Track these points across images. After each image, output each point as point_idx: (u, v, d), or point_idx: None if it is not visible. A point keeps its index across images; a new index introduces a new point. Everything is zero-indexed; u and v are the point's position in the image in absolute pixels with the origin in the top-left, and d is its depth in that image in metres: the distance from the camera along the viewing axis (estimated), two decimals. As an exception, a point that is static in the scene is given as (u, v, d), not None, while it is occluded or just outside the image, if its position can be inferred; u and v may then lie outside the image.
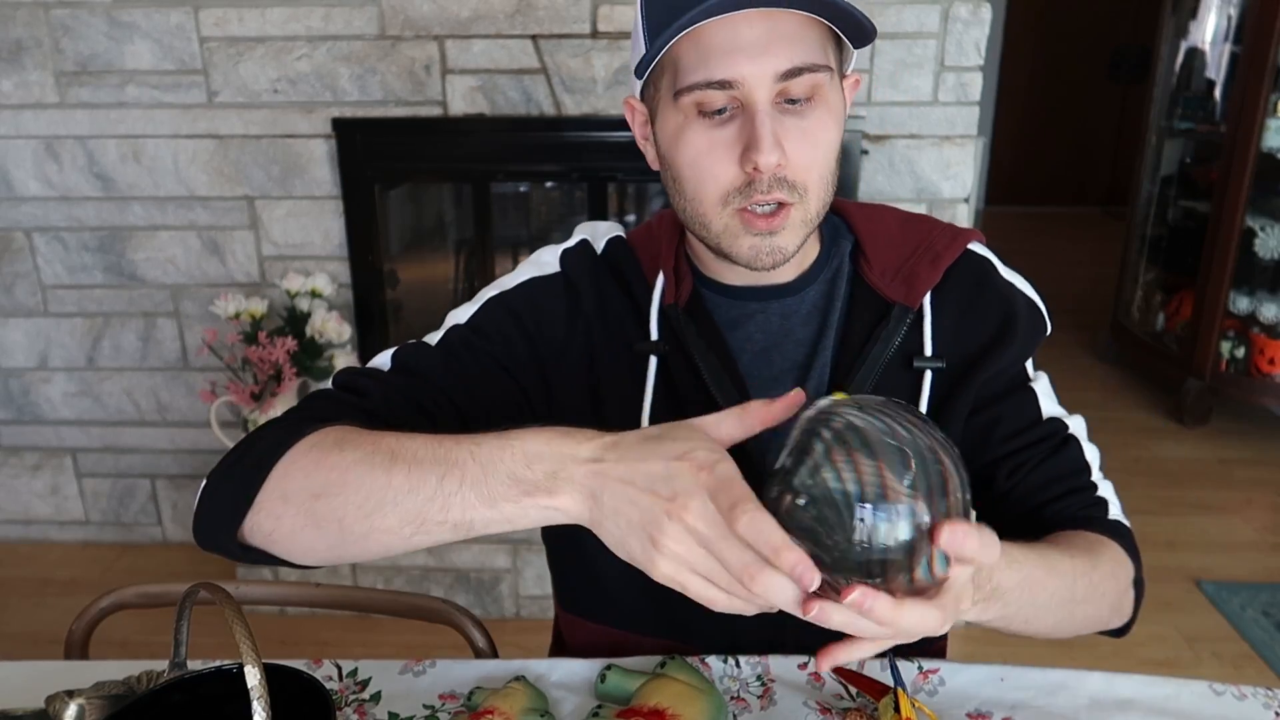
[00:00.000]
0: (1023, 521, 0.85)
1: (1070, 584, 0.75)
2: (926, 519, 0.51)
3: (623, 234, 0.92)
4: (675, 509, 0.54)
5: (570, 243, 0.92)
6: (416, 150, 2.22)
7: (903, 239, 0.88)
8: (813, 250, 0.87)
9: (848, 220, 0.90)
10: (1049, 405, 0.88)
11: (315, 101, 2.17)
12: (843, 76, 0.79)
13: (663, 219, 0.91)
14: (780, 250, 0.77)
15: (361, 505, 0.64)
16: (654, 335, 0.86)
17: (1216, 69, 3.28)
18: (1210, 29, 3.29)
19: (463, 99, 2.15)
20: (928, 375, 0.84)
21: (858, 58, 0.82)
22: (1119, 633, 0.88)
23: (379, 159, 2.21)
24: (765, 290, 0.86)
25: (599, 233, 0.93)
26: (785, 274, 0.85)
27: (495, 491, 0.61)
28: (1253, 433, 3.18)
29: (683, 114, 0.75)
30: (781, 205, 0.75)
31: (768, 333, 0.86)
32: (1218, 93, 3.26)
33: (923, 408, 0.84)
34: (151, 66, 2.15)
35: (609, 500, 0.58)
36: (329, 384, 0.83)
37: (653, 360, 0.85)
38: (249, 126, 2.19)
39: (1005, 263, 0.90)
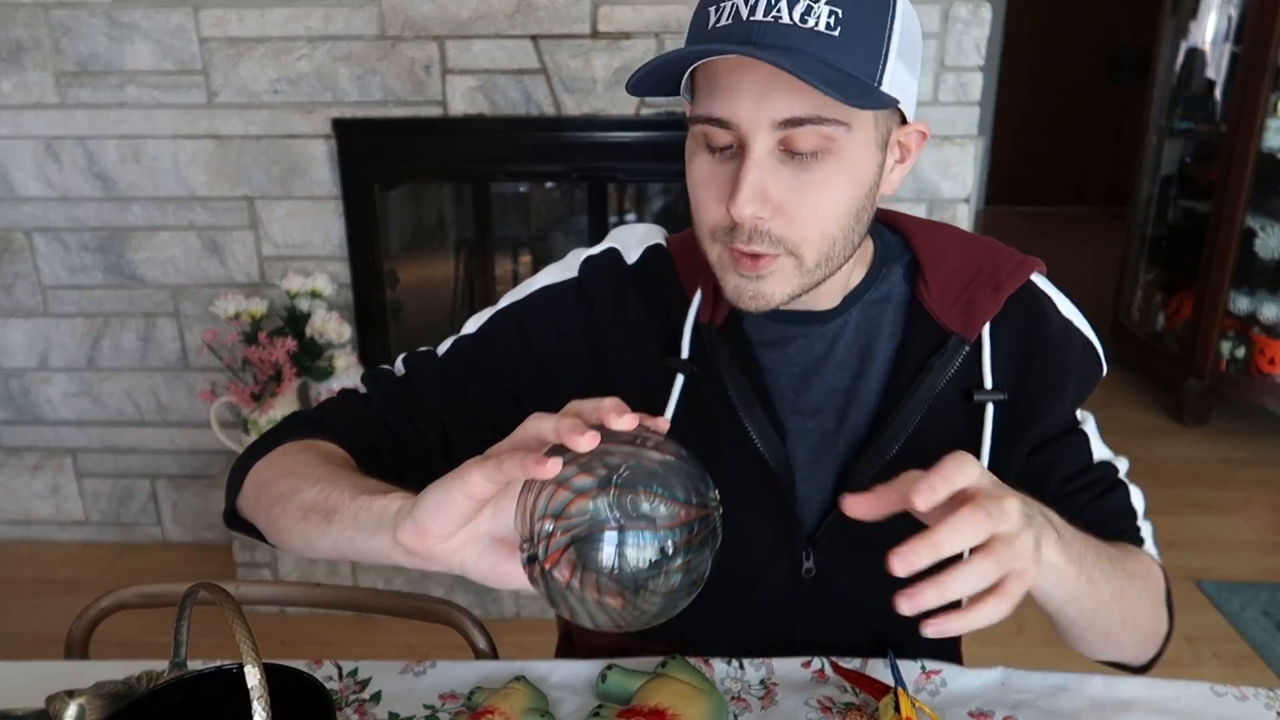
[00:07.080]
0: None
1: (1124, 579, 0.75)
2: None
3: (663, 242, 0.89)
4: None
5: (597, 250, 0.89)
6: (416, 150, 2.22)
7: (964, 263, 0.84)
8: (858, 272, 0.84)
9: (906, 237, 0.87)
10: (1099, 448, 0.88)
11: (315, 102, 2.17)
12: (899, 125, 0.75)
13: None
14: (764, 296, 0.74)
15: (280, 496, 0.75)
16: (685, 353, 0.84)
17: (1216, 69, 3.27)
18: (1210, 29, 3.29)
19: (463, 99, 2.15)
20: (989, 409, 0.82)
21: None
22: (1139, 669, 0.88)
23: (379, 159, 2.21)
24: (809, 314, 0.83)
25: (634, 239, 0.89)
26: (830, 298, 0.82)
27: (370, 485, 0.68)
28: (1253, 433, 3.18)
29: (695, 139, 0.73)
30: (762, 254, 0.72)
31: (809, 356, 0.84)
32: (1218, 93, 3.26)
33: (985, 442, 0.82)
34: (151, 67, 2.15)
35: None
36: (358, 383, 0.90)
37: (679, 378, 0.84)
38: (249, 127, 2.19)
39: (1065, 294, 0.88)
